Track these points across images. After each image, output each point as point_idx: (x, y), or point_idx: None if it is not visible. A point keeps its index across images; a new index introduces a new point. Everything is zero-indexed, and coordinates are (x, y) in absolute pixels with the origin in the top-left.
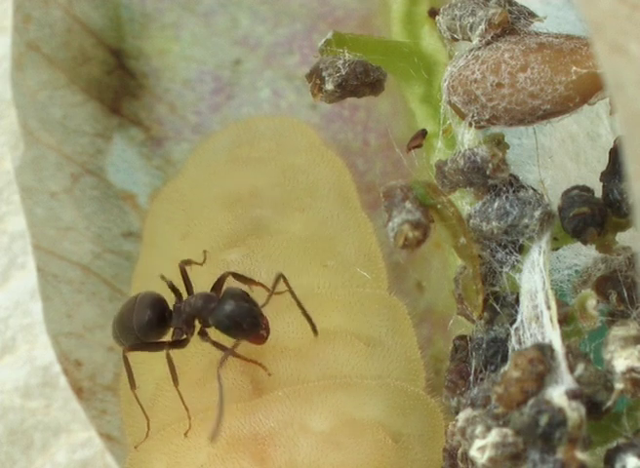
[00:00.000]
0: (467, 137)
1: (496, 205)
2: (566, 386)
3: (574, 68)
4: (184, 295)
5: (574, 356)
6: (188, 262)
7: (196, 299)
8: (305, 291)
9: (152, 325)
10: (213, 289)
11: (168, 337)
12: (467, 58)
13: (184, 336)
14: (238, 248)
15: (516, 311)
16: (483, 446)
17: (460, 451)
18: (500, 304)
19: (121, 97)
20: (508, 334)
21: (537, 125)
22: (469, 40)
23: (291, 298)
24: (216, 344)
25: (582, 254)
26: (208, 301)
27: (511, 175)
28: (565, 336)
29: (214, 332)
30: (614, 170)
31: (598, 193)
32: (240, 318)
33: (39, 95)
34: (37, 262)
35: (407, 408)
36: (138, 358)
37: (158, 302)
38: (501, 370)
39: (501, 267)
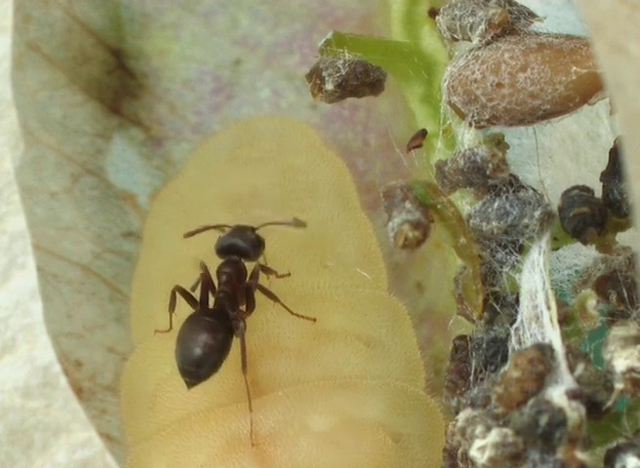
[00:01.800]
0: (467, 137)
1: (496, 205)
2: (566, 386)
3: (574, 68)
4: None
5: (574, 356)
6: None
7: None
8: (305, 291)
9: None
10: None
11: None
12: (467, 58)
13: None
14: None
15: (516, 311)
16: (483, 446)
17: (460, 451)
18: (500, 304)
19: (121, 97)
20: (508, 334)
21: (537, 125)
22: (469, 40)
23: (292, 299)
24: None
25: (582, 254)
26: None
27: (511, 175)
28: (565, 336)
29: None
30: (614, 170)
31: (598, 193)
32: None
33: (39, 95)
34: (37, 262)
35: (407, 408)
36: (138, 358)
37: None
38: (501, 370)
39: (501, 267)
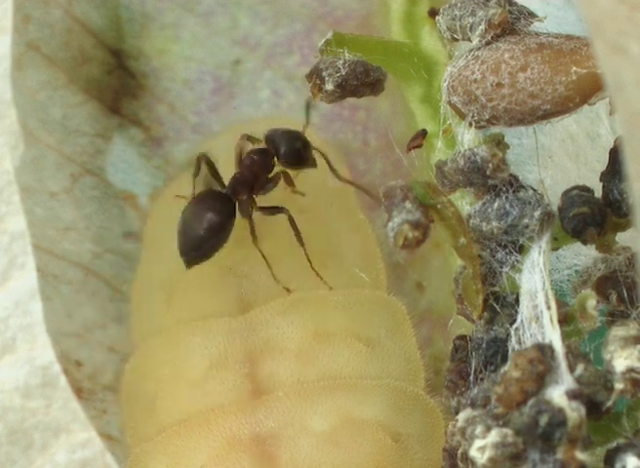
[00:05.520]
0: (467, 137)
1: (496, 205)
2: (566, 386)
3: (574, 68)
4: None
5: (574, 356)
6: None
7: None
8: (305, 291)
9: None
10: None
11: None
12: (467, 58)
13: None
14: (238, 249)
15: (516, 311)
16: (483, 446)
17: (459, 451)
18: (500, 304)
19: (121, 97)
20: (508, 334)
21: (537, 125)
22: (469, 40)
23: (291, 299)
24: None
25: (582, 254)
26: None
27: (511, 175)
28: (565, 336)
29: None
30: (614, 170)
31: (598, 193)
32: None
33: (39, 95)
34: (37, 262)
35: (406, 408)
36: (139, 358)
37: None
38: (501, 370)
39: (501, 267)
